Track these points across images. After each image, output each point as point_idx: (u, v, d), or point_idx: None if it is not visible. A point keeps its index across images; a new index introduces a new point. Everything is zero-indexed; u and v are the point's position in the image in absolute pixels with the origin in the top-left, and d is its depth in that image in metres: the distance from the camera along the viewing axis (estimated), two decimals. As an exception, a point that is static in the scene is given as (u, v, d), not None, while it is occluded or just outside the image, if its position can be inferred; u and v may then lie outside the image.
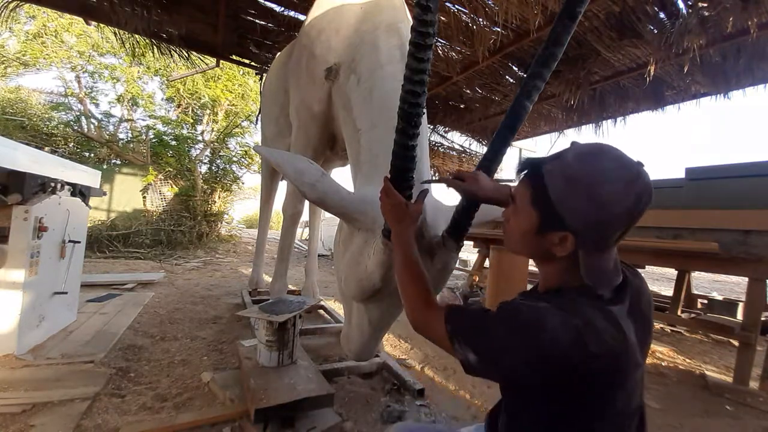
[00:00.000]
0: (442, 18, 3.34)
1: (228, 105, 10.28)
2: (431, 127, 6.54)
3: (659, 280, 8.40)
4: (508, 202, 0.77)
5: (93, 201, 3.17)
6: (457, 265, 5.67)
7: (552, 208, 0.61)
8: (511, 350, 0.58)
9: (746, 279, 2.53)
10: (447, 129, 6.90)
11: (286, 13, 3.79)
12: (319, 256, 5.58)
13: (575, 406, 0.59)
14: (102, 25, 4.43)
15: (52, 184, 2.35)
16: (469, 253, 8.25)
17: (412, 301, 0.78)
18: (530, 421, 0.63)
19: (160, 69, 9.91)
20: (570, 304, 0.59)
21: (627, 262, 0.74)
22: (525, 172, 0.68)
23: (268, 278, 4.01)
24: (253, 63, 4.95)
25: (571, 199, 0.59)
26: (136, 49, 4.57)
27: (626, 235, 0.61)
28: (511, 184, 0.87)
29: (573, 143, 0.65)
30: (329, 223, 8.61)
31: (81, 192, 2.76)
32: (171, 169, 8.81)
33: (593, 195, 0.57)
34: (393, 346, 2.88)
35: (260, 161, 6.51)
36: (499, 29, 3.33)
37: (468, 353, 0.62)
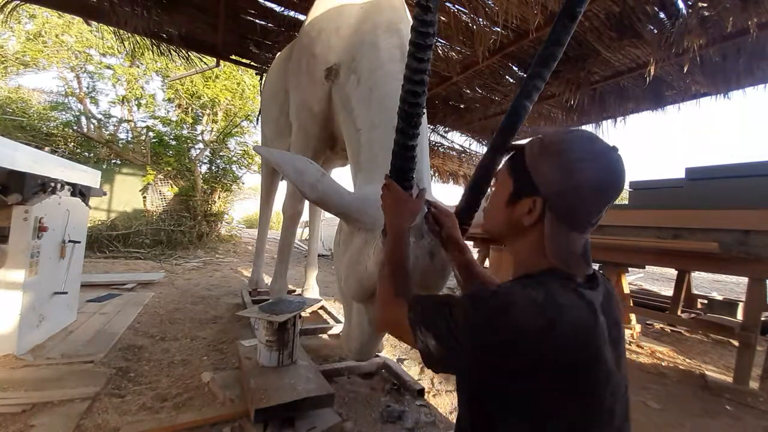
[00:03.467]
0: (442, 18, 3.34)
1: (227, 104, 10.28)
2: (431, 127, 6.53)
3: (659, 280, 8.39)
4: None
5: (93, 201, 3.17)
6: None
7: (526, 173, 0.64)
8: (471, 329, 0.56)
9: (746, 279, 2.53)
10: (447, 129, 6.90)
11: (286, 13, 3.79)
12: (319, 256, 5.57)
13: (543, 399, 0.55)
14: (102, 25, 4.43)
15: (52, 184, 2.35)
16: (469, 253, 8.24)
17: (385, 294, 0.75)
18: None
19: (161, 69, 9.91)
20: (534, 281, 0.58)
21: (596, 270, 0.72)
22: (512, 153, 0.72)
23: (268, 278, 4.01)
24: (253, 63, 4.95)
25: (542, 163, 0.62)
26: (136, 49, 4.57)
27: (596, 222, 0.61)
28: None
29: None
30: (329, 223, 8.61)
31: (81, 192, 2.76)
32: (171, 169, 8.81)
33: (563, 160, 0.60)
34: (393, 346, 2.88)
35: (260, 161, 6.51)
36: (499, 29, 3.33)
37: (429, 340, 0.59)
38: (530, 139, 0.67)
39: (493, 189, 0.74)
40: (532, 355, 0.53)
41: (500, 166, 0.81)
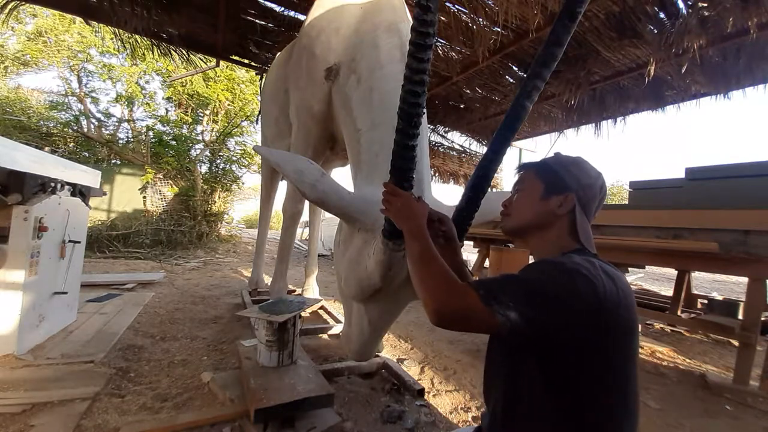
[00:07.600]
0: (442, 18, 3.33)
1: (228, 105, 10.27)
2: (431, 127, 6.53)
3: (659, 280, 8.39)
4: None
5: (93, 201, 3.17)
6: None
7: (556, 176, 0.82)
8: (557, 290, 0.63)
9: (746, 279, 2.53)
10: (447, 129, 6.90)
11: (286, 13, 3.79)
12: (319, 256, 5.57)
13: (613, 355, 0.66)
14: (102, 25, 4.42)
15: (52, 184, 2.35)
16: (469, 253, 8.25)
17: (441, 288, 0.70)
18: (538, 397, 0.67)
19: (162, 69, 9.90)
20: (579, 256, 0.70)
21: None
22: (525, 166, 0.89)
23: (268, 278, 4.01)
24: (253, 63, 4.95)
25: (570, 168, 0.82)
26: (136, 49, 4.57)
27: (594, 216, 0.83)
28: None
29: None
30: (329, 223, 8.61)
31: (81, 192, 2.76)
32: (171, 169, 8.81)
33: (584, 167, 0.83)
34: (393, 346, 2.88)
35: (260, 161, 6.51)
36: (499, 29, 3.33)
37: (509, 312, 0.61)
38: (545, 157, 0.88)
39: (518, 193, 0.88)
40: (609, 314, 0.63)
41: (498, 167, 0.98)
